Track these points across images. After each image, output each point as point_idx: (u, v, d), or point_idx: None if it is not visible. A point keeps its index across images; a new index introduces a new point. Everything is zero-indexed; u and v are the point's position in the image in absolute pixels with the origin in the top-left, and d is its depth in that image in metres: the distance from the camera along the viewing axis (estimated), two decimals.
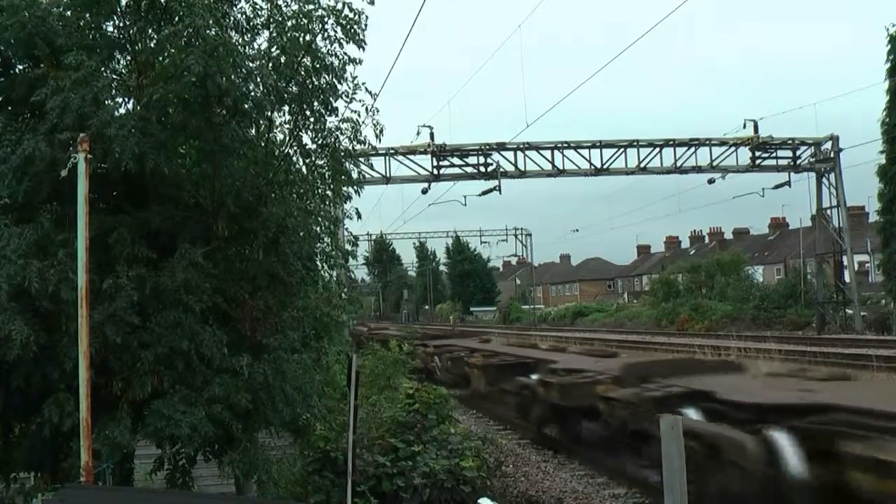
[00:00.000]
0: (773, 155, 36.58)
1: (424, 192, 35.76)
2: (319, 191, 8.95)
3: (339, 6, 7.99)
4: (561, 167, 35.73)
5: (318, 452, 9.95)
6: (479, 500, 8.54)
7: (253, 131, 8.56)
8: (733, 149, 35.88)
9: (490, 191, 35.67)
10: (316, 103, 8.25)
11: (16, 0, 7.57)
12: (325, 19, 7.99)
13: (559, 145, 35.81)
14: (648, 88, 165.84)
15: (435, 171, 35.05)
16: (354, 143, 8.60)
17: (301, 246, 8.61)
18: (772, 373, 12.32)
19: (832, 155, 36.11)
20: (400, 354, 17.57)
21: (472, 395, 21.59)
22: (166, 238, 7.92)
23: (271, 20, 8.16)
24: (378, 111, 8.59)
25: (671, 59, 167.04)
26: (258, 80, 7.83)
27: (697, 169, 36.31)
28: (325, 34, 8.04)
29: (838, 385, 10.64)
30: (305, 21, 7.93)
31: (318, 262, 9.57)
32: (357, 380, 9.14)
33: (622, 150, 35.98)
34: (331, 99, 8.26)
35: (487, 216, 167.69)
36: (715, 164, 36.02)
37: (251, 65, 7.90)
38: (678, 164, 36.17)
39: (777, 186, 37.92)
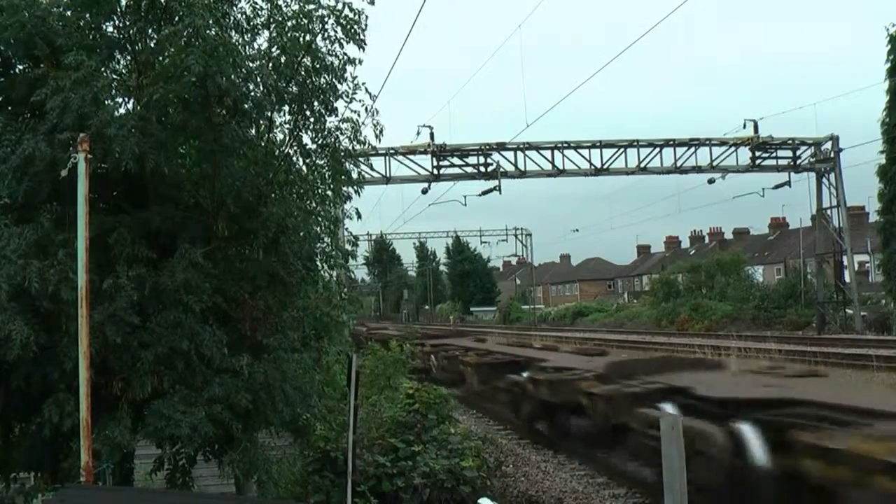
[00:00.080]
0: (773, 155, 36.60)
1: (424, 192, 35.84)
2: (319, 191, 8.95)
3: (340, 6, 7.99)
4: (561, 167, 35.74)
5: (318, 452, 9.96)
6: (479, 500, 8.55)
7: (253, 131, 8.56)
8: (733, 149, 35.90)
9: (490, 191, 35.69)
10: (316, 103, 8.25)
11: (16, 0, 7.57)
12: (326, 19, 7.99)
13: (559, 145, 35.81)
14: (648, 88, 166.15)
15: (435, 171, 35.05)
16: (354, 143, 8.60)
17: (301, 246, 8.61)
18: (747, 370, 12.78)
19: (832, 155, 36.13)
20: (400, 355, 17.56)
21: (467, 392, 21.93)
22: (166, 238, 7.92)
23: (271, 20, 8.15)
24: (378, 111, 8.60)
25: (671, 59, 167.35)
26: (258, 80, 7.83)
27: (697, 169, 36.32)
28: (326, 34, 8.03)
29: (807, 381, 11.15)
30: (305, 21, 7.93)
31: (318, 262, 9.58)
32: (357, 380, 9.15)
33: (622, 150, 35.99)
34: (331, 99, 8.26)
35: (487, 216, 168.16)
36: (715, 164, 36.04)
37: (251, 65, 7.90)
38: (678, 164, 36.18)
39: (777, 186, 37.98)
